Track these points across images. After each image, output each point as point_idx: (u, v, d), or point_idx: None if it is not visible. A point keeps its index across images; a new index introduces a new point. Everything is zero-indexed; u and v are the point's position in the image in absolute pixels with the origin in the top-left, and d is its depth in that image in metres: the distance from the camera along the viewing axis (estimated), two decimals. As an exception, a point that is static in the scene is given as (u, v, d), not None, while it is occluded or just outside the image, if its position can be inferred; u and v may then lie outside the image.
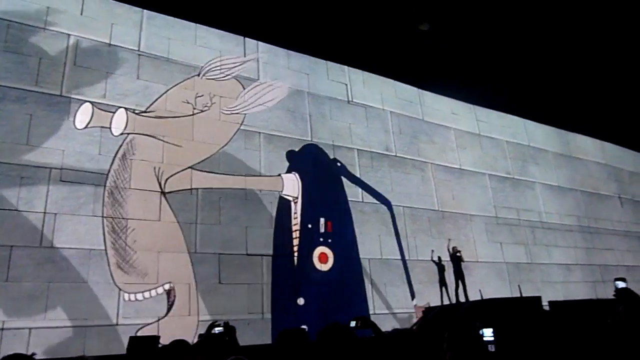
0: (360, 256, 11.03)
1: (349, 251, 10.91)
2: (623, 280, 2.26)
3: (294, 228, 10.23)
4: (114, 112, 8.95)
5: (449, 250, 11.65)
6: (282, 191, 10.39)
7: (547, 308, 9.57)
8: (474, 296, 10.57)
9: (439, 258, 11.79)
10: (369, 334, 3.59)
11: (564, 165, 16.84)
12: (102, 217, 8.26)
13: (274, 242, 9.89)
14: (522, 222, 14.52)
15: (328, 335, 2.16)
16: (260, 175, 10.34)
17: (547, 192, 15.77)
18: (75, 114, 8.54)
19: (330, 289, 10.20)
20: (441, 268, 11.87)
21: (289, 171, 10.68)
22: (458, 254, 11.51)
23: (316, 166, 11.15)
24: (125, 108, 9.07)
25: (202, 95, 9.98)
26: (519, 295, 11.31)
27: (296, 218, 10.36)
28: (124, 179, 8.63)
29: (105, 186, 8.42)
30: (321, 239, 10.50)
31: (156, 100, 9.50)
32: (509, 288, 12.96)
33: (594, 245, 16.09)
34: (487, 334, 3.46)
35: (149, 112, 9.31)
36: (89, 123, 8.64)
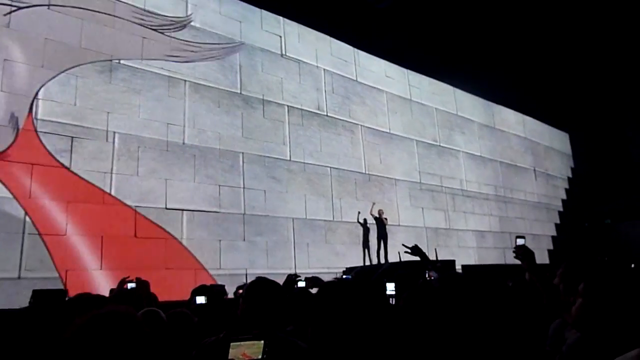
0: (285, 215, 11.29)
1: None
2: (522, 237, 2.65)
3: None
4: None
5: (372, 213, 12.30)
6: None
7: (460, 271, 10.44)
8: (393, 258, 11.26)
9: (365, 220, 12.42)
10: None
11: (487, 136, 18.06)
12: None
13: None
14: (444, 189, 15.57)
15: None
16: (184, 126, 10.13)
17: (470, 161, 16.92)
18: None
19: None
20: (366, 230, 12.57)
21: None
22: (384, 218, 12.21)
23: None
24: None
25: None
26: (435, 258, 12.23)
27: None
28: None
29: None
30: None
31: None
32: (427, 251, 13.86)
33: (507, 214, 17.66)
34: (389, 288, 3.86)
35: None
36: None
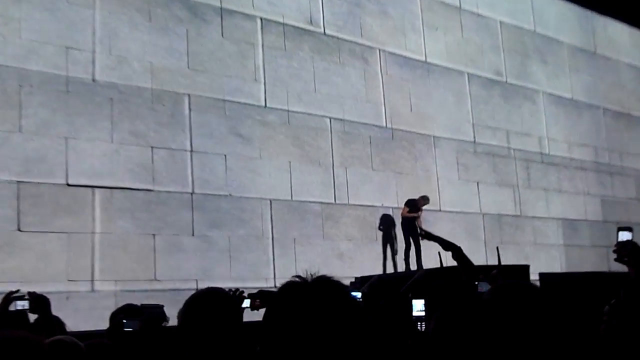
0: (258, 195, 11.50)
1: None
2: (629, 229, 2.58)
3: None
4: None
5: (420, 208, 12.47)
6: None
7: (537, 282, 10.69)
8: (429, 263, 11.42)
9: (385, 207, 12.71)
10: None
11: (584, 66, 18.11)
12: None
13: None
14: (513, 153, 15.72)
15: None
16: (93, 52, 10.17)
17: (555, 108, 17.05)
18: None
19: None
20: (388, 221, 12.64)
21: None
22: (421, 202, 12.55)
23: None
24: None
25: None
26: (496, 262, 12.36)
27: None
28: None
29: None
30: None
31: None
32: (485, 251, 14.20)
33: (614, 194, 17.90)
34: (418, 307, 3.96)
35: None
36: None
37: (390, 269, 12.68)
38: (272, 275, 11.27)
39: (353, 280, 10.99)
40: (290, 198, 11.92)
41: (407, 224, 12.50)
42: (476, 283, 4.51)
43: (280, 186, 11.84)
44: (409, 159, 13.77)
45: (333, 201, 12.48)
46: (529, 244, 15.29)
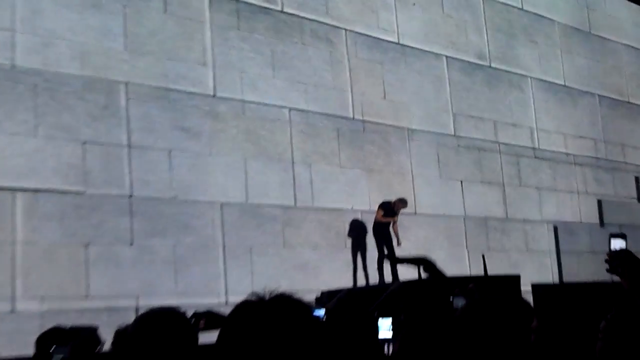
0: (207, 198, 11.60)
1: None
2: (621, 236, 2.65)
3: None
4: None
5: (396, 211, 12.68)
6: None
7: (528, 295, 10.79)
8: (406, 274, 11.55)
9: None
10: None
11: (578, 48, 18.39)
12: None
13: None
14: (499, 147, 15.99)
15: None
16: (13, 32, 10.12)
17: (546, 95, 17.33)
18: None
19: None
20: (357, 227, 12.76)
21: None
22: (399, 205, 12.70)
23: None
24: None
25: None
26: (481, 271, 12.45)
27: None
28: None
29: None
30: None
31: None
32: (467, 260, 14.48)
33: (616, 192, 18.18)
34: (384, 326, 4.00)
35: None
36: None
37: (361, 282, 12.77)
38: (224, 290, 11.31)
39: (319, 295, 11.11)
40: (244, 201, 11.98)
41: (381, 229, 12.66)
42: (451, 298, 4.58)
43: (232, 187, 11.89)
44: (381, 155, 13.90)
45: (294, 204, 12.57)
46: (517, 250, 15.54)
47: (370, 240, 12.92)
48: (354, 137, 13.62)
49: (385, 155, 13.98)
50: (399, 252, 12.36)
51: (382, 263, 12.46)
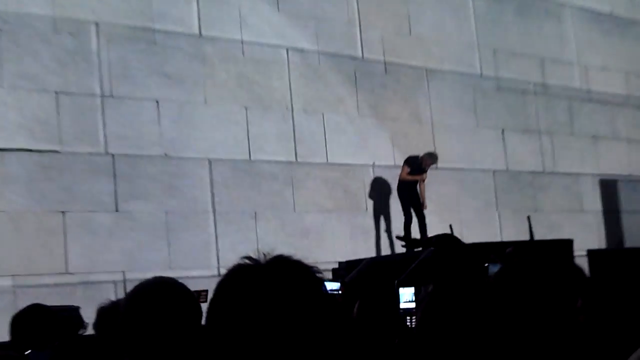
0: (194, 155, 11.69)
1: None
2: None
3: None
4: None
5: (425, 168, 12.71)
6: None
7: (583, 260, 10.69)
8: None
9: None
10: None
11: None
12: None
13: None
14: (533, 88, 15.89)
15: None
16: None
17: (588, 26, 17.13)
18: None
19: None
20: (378, 185, 12.95)
21: None
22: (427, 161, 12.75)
23: None
24: None
25: None
26: (528, 235, 12.31)
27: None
28: None
29: None
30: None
31: None
32: (498, 222, 14.59)
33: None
34: (405, 297, 4.11)
35: None
36: None
37: (385, 250, 12.93)
38: (216, 262, 11.44)
39: (337, 264, 11.30)
40: (237, 157, 12.03)
41: (407, 189, 12.72)
42: (486, 265, 4.65)
43: (223, 141, 11.94)
44: (395, 100, 13.90)
45: (294, 159, 12.62)
46: (558, 210, 15.50)
47: (394, 202, 12.98)
48: (364, 80, 13.58)
49: (400, 101, 13.97)
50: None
51: (410, 228, 12.48)
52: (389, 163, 13.30)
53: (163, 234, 11.16)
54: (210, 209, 11.69)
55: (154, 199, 11.21)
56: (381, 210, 13.18)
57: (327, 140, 13.01)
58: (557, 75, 16.22)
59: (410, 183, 12.67)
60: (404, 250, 11.59)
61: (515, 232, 13.62)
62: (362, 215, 13.08)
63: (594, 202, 16.32)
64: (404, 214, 12.60)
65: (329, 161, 12.94)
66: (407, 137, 13.55)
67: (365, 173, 13.29)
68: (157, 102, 11.43)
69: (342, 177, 13.04)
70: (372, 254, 12.58)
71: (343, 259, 11.49)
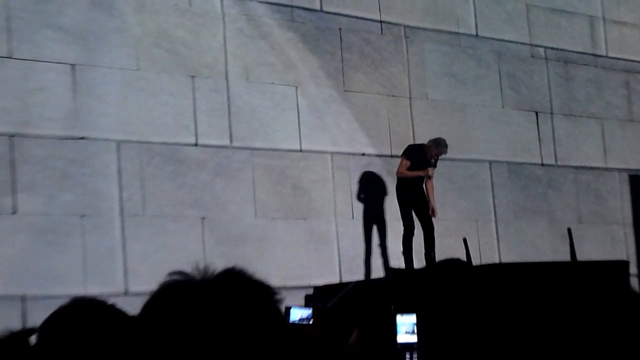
0: (96, 135, 11.57)
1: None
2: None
3: None
4: None
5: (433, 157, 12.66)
6: None
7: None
8: (445, 253, 11.47)
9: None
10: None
11: None
12: None
13: None
14: (545, 53, 16.00)
15: None
16: None
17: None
18: None
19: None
20: (369, 181, 13.06)
21: None
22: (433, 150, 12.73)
23: None
24: None
25: None
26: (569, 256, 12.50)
27: None
28: None
29: None
30: None
31: None
32: (495, 224, 14.51)
33: None
34: (406, 327, 3.98)
35: None
36: None
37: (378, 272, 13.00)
38: (122, 276, 11.36)
39: (311, 292, 11.54)
40: (152, 138, 12.03)
41: (408, 189, 12.71)
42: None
43: (134, 118, 11.96)
44: (362, 66, 13.96)
45: (229, 142, 12.63)
46: (568, 211, 15.65)
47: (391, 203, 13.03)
48: (322, 39, 13.66)
49: (369, 67, 14.02)
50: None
51: (411, 242, 12.58)
52: (353, 150, 13.34)
53: (53, 238, 11.09)
54: (116, 206, 11.68)
55: (43, 192, 11.18)
56: (373, 217, 13.34)
57: (272, 118, 13.01)
58: (561, 37, 16.51)
59: (412, 181, 12.71)
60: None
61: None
62: (317, 220, 13.09)
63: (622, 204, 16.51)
64: (403, 223, 12.64)
65: (274, 146, 12.94)
66: (377, 115, 13.57)
67: (322, 162, 13.25)
68: (48, 63, 11.41)
69: (291, 167, 13.05)
70: (334, 274, 12.73)
71: (294, 276, 11.62)
